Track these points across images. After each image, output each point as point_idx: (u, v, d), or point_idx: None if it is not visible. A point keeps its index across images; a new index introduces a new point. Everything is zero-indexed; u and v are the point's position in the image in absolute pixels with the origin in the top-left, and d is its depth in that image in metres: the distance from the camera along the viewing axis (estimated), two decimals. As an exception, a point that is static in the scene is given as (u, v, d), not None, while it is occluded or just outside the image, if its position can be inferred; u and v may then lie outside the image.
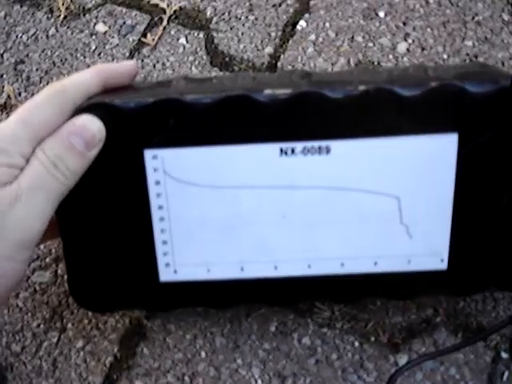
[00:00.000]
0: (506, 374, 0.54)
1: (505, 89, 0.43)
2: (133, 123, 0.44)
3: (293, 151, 0.44)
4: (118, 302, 0.51)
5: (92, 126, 0.43)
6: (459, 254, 0.48)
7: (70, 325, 0.56)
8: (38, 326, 0.56)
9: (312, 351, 0.55)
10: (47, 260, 0.59)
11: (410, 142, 0.44)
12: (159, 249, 0.47)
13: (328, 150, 0.45)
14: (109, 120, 0.43)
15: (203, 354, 0.55)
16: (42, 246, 0.60)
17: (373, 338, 0.55)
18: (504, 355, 0.55)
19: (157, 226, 0.47)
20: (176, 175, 0.45)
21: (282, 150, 0.45)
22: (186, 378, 0.54)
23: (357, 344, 0.55)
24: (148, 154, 0.45)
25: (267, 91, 0.43)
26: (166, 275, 0.49)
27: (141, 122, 0.44)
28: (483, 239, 0.48)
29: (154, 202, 0.46)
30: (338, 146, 0.45)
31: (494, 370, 0.54)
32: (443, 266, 0.49)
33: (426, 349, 0.55)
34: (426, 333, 0.55)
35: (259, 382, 0.54)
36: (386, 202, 0.46)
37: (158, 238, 0.47)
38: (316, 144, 0.44)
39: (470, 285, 0.50)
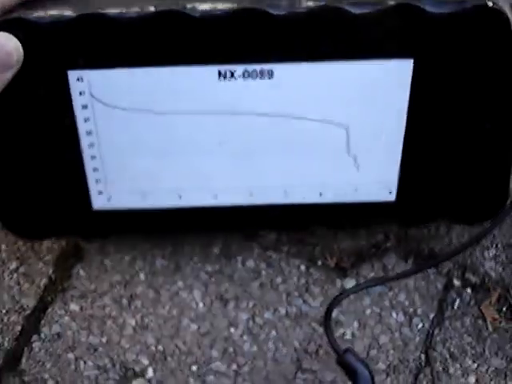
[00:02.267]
0: (458, 301, 0.53)
1: (468, 10, 0.39)
2: (53, 41, 0.39)
3: (232, 75, 0.41)
4: (52, 229, 0.49)
5: (7, 44, 0.38)
6: (408, 186, 0.46)
7: (3, 246, 0.54)
8: (-30, 245, 0.53)
9: (256, 274, 0.53)
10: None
11: (360, 67, 0.41)
12: (91, 176, 0.45)
13: (271, 74, 0.41)
14: (26, 38, 0.39)
15: (142, 276, 0.53)
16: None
17: (320, 262, 0.53)
18: (456, 282, 0.53)
19: (86, 152, 0.44)
20: (104, 99, 0.41)
21: (220, 73, 0.41)
22: (124, 301, 0.52)
23: (303, 268, 0.53)
24: (72, 75, 0.41)
25: (203, 6, 0.39)
26: (98, 203, 0.46)
27: (62, 40, 0.39)
28: (433, 171, 0.45)
29: (81, 128, 0.43)
30: (282, 70, 0.41)
31: (445, 297, 0.53)
32: (391, 197, 0.46)
33: (375, 274, 0.53)
34: (375, 258, 0.53)
35: (200, 304, 0.52)
36: (332, 131, 0.43)
37: (89, 164, 0.44)
38: (258, 67, 0.41)
39: (420, 216, 0.49)
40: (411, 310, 0.52)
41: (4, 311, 0.52)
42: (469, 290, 0.53)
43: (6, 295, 0.52)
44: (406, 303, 0.53)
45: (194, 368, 0.50)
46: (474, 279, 0.54)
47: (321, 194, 0.47)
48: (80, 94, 0.41)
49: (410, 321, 0.52)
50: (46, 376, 0.50)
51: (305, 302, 0.52)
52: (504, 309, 0.53)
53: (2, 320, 0.52)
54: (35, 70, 0.40)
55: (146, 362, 0.51)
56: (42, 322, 0.52)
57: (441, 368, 0.51)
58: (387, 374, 0.50)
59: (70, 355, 0.51)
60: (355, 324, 0.52)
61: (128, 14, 0.38)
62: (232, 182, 0.46)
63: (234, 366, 0.51)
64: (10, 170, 0.45)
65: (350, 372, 0.44)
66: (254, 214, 0.48)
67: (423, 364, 0.51)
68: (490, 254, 0.54)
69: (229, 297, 0.52)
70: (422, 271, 0.53)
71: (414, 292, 0.53)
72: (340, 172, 0.45)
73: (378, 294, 0.53)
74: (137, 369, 0.50)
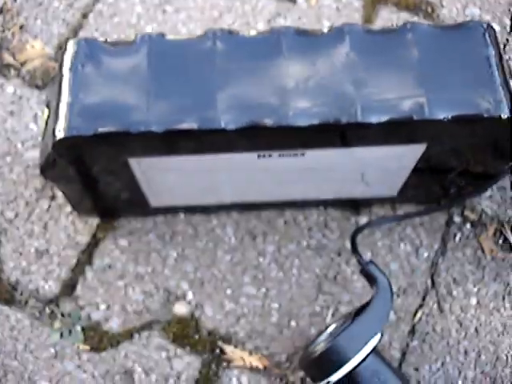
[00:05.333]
0: (459, 235, 0.60)
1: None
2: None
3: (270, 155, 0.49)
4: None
5: None
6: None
7: (60, 193, 0.61)
8: (31, 195, 0.61)
9: (281, 213, 0.60)
10: (39, 139, 0.64)
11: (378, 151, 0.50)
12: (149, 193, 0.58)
13: (303, 154, 0.49)
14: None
15: (182, 216, 0.60)
16: (35, 128, 0.65)
17: (336, 203, 0.60)
18: (457, 219, 0.60)
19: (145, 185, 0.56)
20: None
21: (259, 156, 0.49)
22: (167, 236, 0.59)
23: (321, 207, 0.60)
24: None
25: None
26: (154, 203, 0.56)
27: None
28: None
29: (141, 178, 0.54)
30: (313, 152, 0.49)
31: (448, 231, 0.60)
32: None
33: (385, 212, 0.60)
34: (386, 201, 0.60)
35: (232, 239, 0.59)
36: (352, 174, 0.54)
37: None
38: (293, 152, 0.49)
39: None
40: (417, 241, 0.59)
41: (61, 247, 0.59)
42: (468, 226, 0.60)
43: (63, 234, 0.60)
44: (413, 236, 0.60)
45: (229, 291, 0.57)
46: (472, 216, 0.61)
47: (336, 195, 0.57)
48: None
49: (417, 251, 0.59)
50: (99, 300, 0.57)
51: (324, 235, 0.59)
52: (500, 241, 0.60)
53: (60, 255, 0.59)
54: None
55: (186, 287, 0.58)
56: (95, 255, 0.59)
57: (445, 291, 0.58)
58: (398, 296, 0.57)
59: (120, 282, 0.58)
60: (369, 254, 0.59)
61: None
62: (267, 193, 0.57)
63: (263, 290, 0.58)
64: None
65: (372, 280, 0.51)
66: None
67: (429, 288, 0.58)
68: (486, 195, 0.61)
69: (257, 232, 0.60)
70: (427, 214, 0.60)
71: (419, 227, 0.60)
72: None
73: (388, 228, 0.60)
74: (178, 293, 0.57)
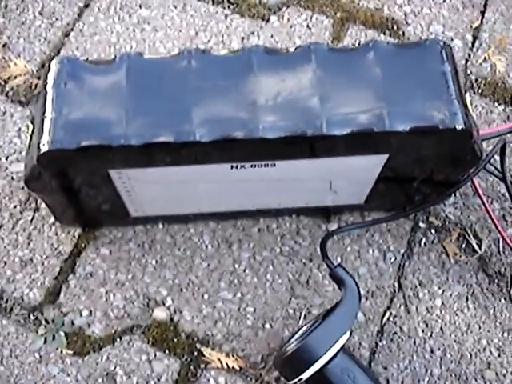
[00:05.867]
0: (424, 240, 0.63)
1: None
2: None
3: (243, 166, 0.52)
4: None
5: None
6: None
7: (43, 205, 0.63)
8: (15, 207, 0.64)
9: (255, 221, 0.63)
10: (23, 153, 0.67)
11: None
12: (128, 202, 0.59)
13: (273, 165, 0.53)
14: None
15: (160, 226, 0.63)
16: (18, 142, 0.67)
17: (308, 211, 0.63)
18: (422, 225, 0.64)
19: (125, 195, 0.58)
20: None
21: (232, 166, 0.52)
22: (146, 245, 0.62)
23: (294, 215, 0.63)
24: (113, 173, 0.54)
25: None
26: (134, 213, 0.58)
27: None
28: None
29: (121, 188, 0.56)
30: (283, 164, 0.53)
31: (413, 236, 0.63)
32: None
33: (354, 220, 0.64)
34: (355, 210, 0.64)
35: (209, 246, 0.62)
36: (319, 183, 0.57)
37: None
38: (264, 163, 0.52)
39: None
40: (385, 247, 0.63)
41: (45, 256, 0.62)
42: (433, 231, 0.64)
43: (46, 244, 0.62)
44: (381, 241, 0.63)
45: (206, 297, 0.60)
46: (436, 222, 0.64)
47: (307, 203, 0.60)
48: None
49: (384, 256, 0.62)
50: (81, 307, 0.60)
51: (296, 242, 0.63)
52: (463, 245, 0.63)
53: (43, 264, 0.61)
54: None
55: (165, 293, 0.60)
56: (77, 263, 0.61)
57: (412, 293, 0.61)
58: (366, 298, 0.60)
59: (102, 289, 0.61)
60: (339, 259, 0.62)
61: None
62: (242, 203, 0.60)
63: (239, 294, 0.60)
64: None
65: (341, 282, 0.54)
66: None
67: (396, 290, 0.61)
68: (450, 201, 0.65)
69: (233, 240, 0.63)
70: (395, 220, 0.64)
71: (386, 233, 0.63)
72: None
73: (357, 235, 0.63)
74: (158, 299, 0.60)
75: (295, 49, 0.51)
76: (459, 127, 0.48)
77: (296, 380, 0.51)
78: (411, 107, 0.49)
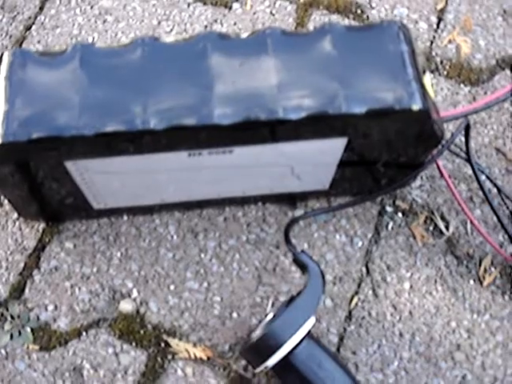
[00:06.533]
0: (391, 224, 0.63)
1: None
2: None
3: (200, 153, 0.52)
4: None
5: None
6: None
7: (6, 200, 0.63)
8: (-22, 203, 0.63)
9: (221, 210, 0.63)
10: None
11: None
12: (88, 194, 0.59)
13: (231, 152, 0.52)
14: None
15: (125, 217, 0.62)
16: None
17: (273, 198, 0.63)
18: (389, 208, 0.64)
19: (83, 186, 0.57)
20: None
21: (189, 154, 0.51)
22: (111, 238, 0.61)
23: (259, 203, 0.63)
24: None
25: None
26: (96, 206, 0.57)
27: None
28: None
29: (79, 179, 0.55)
30: (241, 149, 0.52)
31: (380, 221, 0.63)
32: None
33: (320, 206, 0.63)
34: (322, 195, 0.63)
35: (175, 237, 0.62)
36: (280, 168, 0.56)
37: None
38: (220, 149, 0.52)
39: None
40: (352, 232, 0.62)
41: (9, 252, 0.61)
42: (400, 215, 0.64)
43: (10, 239, 0.62)
44: (347, 227, 0.63)
45: (172, 287, 0.60)
46: (403, 205, 0.64)
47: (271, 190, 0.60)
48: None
49: (351, 241, 0.62)
50: (47, 302, 0.59)
51: (262, 230, 0.62)
52: (431, 228, 0.63)
53: (8, 259, 0.61)
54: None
55: (130, 285, 0.60)
56: (42, 258, 0.61)
57: (379, 278, 0.61)
58: (334, 284, 0.60)
59: (67, 283, 0.60)
60: (305, 245, 0.62)
61: None
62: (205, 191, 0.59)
63: (205, 284, 0.60)
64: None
65: (304, 268, 0.54)
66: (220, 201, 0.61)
67: (364, 275, 0.61)
68: (416, 184, 0.65)
69: (198, 229, 0.62)
70: (360, 203, 0.63)
71: (353, 218, 0.63)
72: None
73: (324, 221, 0.63)
74: (123, 291, 0.60)
75: (250, 34, 0.50)
76: (416, 108, 0.48)
77: (262, 367, 0.51)
78: (367, 89, 0.48)
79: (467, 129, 0.59)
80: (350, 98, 0.47)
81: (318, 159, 0.54)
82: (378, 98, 0.48)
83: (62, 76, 0.49)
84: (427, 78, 0.52)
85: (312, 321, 0.51)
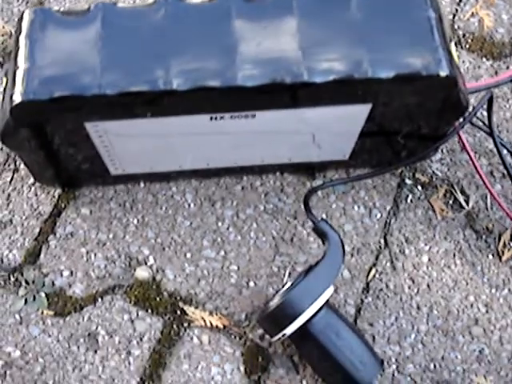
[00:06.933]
0: (410, 197, 0.62)
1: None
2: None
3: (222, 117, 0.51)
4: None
5: None
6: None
7: (23, 165, 0.62)
8: (-6, 168, 0.62)
9: (239, 179, 0.62)
10: (1, 114, 0.65)
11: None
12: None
13: (254, 116, 0.51)
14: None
15: (142, 184, 0.62)
16: None
17: (292, 168, 0.62)
18: (408, 181, 0.63)
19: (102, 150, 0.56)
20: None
21: (211, 118, 0.51)
22: (127, 204, 0.61)
23: (278, 173, 0.62)
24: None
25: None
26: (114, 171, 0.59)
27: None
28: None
29: (98, 142, 0.54)
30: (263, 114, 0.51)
31: (399, 193, 0.62)
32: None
33: (339, 176, 0.62)
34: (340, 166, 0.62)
35: (192, 205, 0.61)
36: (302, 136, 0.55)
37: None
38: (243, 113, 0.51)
39: None
40: (370, 203, 0.62)
41: (24, 217, 0.61)
42: (419, 187, 0.63)
43: (26, 204, 0.61)
44: (366, 198, 0.62)
45: (189, 255, 0.59)
46: (423, 178, 0.63)
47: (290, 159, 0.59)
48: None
49: (370, 212, 0.61)
50: (62, 267, 0.59)
51: (280, 199, 0.62)
52: (450, 202, 0.62)
53: (23, 225, 0.60)
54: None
55: (147, 252, 0.59)
56: (57, 224, 0.60)
57: (398, 250, 0.60)
58: (352, 255, 0.59)
59: (82, 249, 0.59)
60: (323, 216, 0.61)
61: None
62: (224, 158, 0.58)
63: (222, 253, 0.59)
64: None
65: (324, 237, 0.53)
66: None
67: (382, 247, 0.60)
68: (437, 158, 0.64)
69: (216, 198, 0.61)
70: (380, 175, 0.62)
71: (372, 189, 0.62)
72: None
73: (342, 192, 0.62)
74: (140, 258, 0.59)
75: None
76: (443, 74, 0.47)
77: (280, 335, 0.50)
78: (394, 54, 0.47)
79: (490, 101, 0.58)
80: (377, 62, 0.46)
81: (340, 127, 0.53)
82: (405, 64, 0.47)
83: (83, 35, 0.48)
84: (453, 47, 0.51)
85: (331, 290, 0.51)
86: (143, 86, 0.45)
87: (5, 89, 0.48)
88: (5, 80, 0.49)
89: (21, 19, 0.49)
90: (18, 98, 0.46)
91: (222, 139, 0.53)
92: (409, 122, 0.53)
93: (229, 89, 0.46)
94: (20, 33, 0.49)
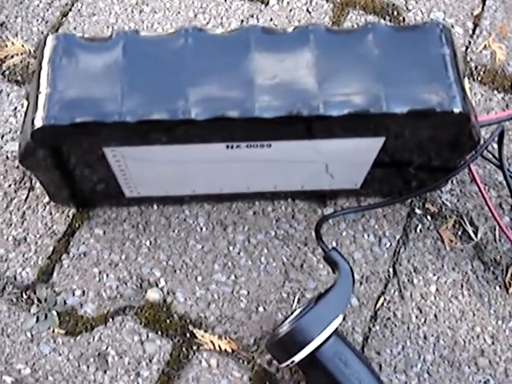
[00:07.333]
0: (420, 226, 0.63)
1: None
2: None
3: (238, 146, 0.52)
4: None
5: None
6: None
7: (38, 184, 0.63)
8: (9, 186, 0.64)
9: (251, 204, 0.63)
10: (18, 133, 0.66)
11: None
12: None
13: (269, 145, 0.52)
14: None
15: (155, 207, 0.63)
16: (14, 121, 0.67)
17: (303, 195, 0.63)
18: (418, 211, 0.64)
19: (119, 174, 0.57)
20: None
21: (227, 146, 0.52)
22: (140, 226, 0.62)
23: (289, 199, 0.63)
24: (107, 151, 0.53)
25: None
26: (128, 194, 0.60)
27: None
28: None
29: (115, 166, 0.55)
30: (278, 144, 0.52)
31: (409, 222, 0.63)
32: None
33: (350, 204, 0.63)
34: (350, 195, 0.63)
35: (204, 228, 0.62)
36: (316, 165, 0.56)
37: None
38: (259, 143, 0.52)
39: None
40: (380, 232, 0.62)
41: (39, 236, 0.61)
42: (429, 217, 0.63)
43: (40, 223, 0.62)
44: (376, 227, 0.63)
45: (200, 279, 0.60)
46: (432, 209, 0.64)
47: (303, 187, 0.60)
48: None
49: (380, 241, 0.62)
50: (74, 287, 0.60)
51: (291, 226, 0.62)
52: (459, 233, 0.63)
53: (37, 243, 0.61)
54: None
55: (158, 274, 0.60)
56: (71, 243, 0.61)
57: (406, 279, 0.61)
58: (360, 283, 0.60)
59: (95, 269, 0.60)
60: (333, 243, 0.62)
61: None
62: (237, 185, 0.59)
63: (233, 277, 0.60)
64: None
65: (335, 265, 0.54)
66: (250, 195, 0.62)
67: (391, 276, 0.61)
68: (446, 188, 0.65)
69: (228, 222, 0.62)
70: (390, 205, 0.63)
71: (382, 219, 0.63)
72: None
73: (352, 220, 0.63)
74: (151, 280, 0.60)
75: (293, 29, 0.50)
76: (457, 110, 0.48)
77: (288, 362, 0.51)
78: (409, 89, 0.48)
79: (501, 135, 0.59)
80: (392, 97, 0.47)
81: (353, 158, 0.54)
82: (420, 99, 0.48)
83: (105, 62, 0.49)
84: (466, 82, 0.52)
85: (340, 318, 0.51)
86: (162, 114, 0.46)
87: (26, 113, 0.49)
88: (26, 103, 0.50)
89: (44, 44, 0.50)
90: (39, 123, 0.47)
91: (237, 167, 0.54)
92: (421, 154, 0.54)
93: (246, 120, 0.47)
94: (43, 58, 0.50)
